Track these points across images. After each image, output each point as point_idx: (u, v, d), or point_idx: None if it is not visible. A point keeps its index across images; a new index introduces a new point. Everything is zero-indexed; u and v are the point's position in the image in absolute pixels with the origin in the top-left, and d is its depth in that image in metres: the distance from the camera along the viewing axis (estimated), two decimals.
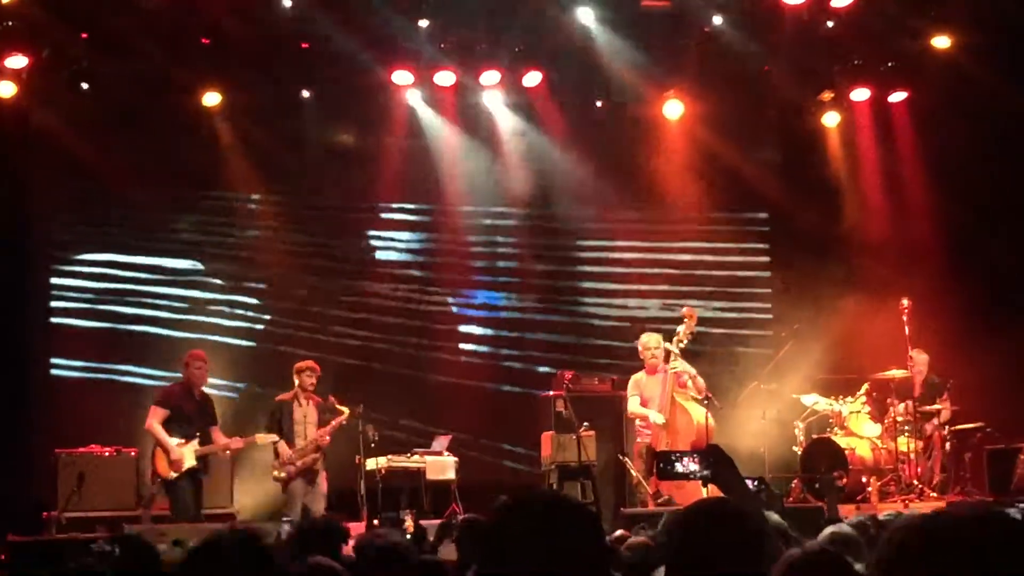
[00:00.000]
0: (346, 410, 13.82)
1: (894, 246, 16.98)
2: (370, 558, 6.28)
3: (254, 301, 16.85)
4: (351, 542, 7.65)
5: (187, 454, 13.20)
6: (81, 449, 14.22)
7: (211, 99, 15.76)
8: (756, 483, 7.76)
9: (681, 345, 13.74)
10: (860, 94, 16.93)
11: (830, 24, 15.74)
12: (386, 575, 5.84)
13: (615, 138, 17.33)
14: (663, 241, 17.99)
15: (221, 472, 14.19)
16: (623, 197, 17.64)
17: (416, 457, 14.60)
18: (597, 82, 16.61)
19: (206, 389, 13.87)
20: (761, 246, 18.27)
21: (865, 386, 15.28)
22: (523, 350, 17.49)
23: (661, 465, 6.96)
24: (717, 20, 15.71)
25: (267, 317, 16.84)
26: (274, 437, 13.63)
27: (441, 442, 14.95)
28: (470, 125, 16.85)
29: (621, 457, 14.10)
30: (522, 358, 17.44)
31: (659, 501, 12.74)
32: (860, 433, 15.11)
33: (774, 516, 5.73)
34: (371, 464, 14.02)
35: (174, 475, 13.13)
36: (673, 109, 16.86)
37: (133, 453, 14.32)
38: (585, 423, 13.97)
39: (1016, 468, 14.42)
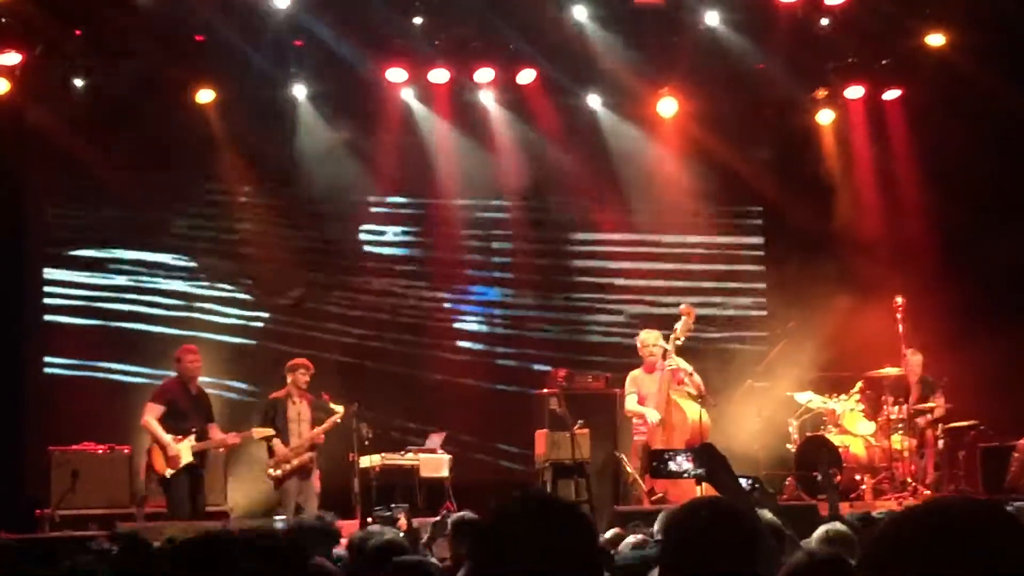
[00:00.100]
0: (340, 408, 13.80)
1: (888, 244, 17.00)
2: (364, 556, 6.29)
3: (248, 298, 16.83)
4: (344, 540, 7.67)
5: (184, 450, 13.18)
6: (75, 447, 14.21)
7: (205, 96, 15.75)
8: (750, 481, 7.75)
9: (678, 342, 13.75)
10: (854, 92, 16.96)
11: (824, 22, 15.75)
12: (380, 573, 5.84)
13: (609, 135, 17.32)
14: (657, 236, 17.97)
15: (215, 469, 14.18)
16: (617, 194, 17.64)
17: (410, 455, 14.59)
18: (591, 79, 16.62)
19: (201, 383, 13.87)
20: (756, 242, 18.28)
21: (859, 384, 15.29)
22: (517, 347, 17.49)
23: (655, 463, 6.98)
24: (711, 17, 15.71)
25: (260, 314, 16.82)
26: (270, 431, 13.61)
27: (435, 439, 14.95)
28: (464, 121, 16.83)
29: (616, 454, 14.12)
30: (516, 356, 17.45)
31: (654, 499, 12.74)
32: (854, 431, 15.12)
33: (767, 514, 5.73)
34: (365, 462, 14.00)
35: (171, 472, 13.12)
36: (667, 106, 16.86)
37: (127, 451, 14.31)
38: (579, 421, 13.97)
39: (1010, 466, 14.43)
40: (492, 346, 17.54)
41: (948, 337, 15.36)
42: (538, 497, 3.04)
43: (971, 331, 15.12)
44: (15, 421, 15.19)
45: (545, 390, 14.81)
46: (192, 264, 16.64)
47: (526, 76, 16.31)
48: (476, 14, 15.44)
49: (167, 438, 13.13)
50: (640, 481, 13.29)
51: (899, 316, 15.00)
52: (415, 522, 11.81)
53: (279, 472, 13.63)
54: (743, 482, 4.80)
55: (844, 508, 13.25)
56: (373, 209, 17.50)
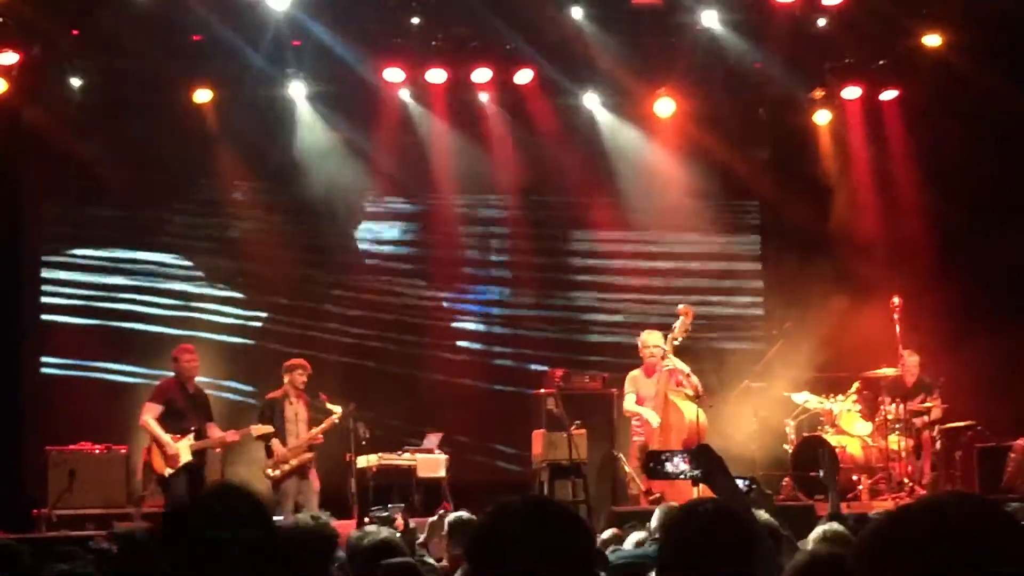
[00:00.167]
0: (338, 409, 13.80)
1: (886, 244, 17.01)
2: (358, 556, 6.29)
3: (245, 298, 16.83)
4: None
5: (183, 449, 13.19)
6: (72, 447, 14.20)
7: (202, 95, 15.76)
8: (747, 482, 7.75)
9: (676, 343, 13.76)
10: (851, 92, 16.96)
11: (822, 22, 15.76)
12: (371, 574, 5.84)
13: (606, 135, 17.32)
14: (654, 236, 17.97)
15: (211, 469, 14.17)
16: (615, 194, 17.65)
17: (407, 455, 14.59)
18: (589, 79, 16.63)
19: (199, 383, 13.88)
20: (753, 242, 18.29)
21: (856, 384, 15.30)
22: (515, 347, 17.50)
23: (651, 464, 6.93)
24: (708, 17, 15.71)
25: (258, 314, 16.83)
26: (269, 428, 13.61)
27: (432, 440, 14.95)
28: (462, 121, 16.83)
29: (614, 454, 14.13)
30: (514, 355, 17.45)
31: (651, 499, 12.75)
32: (851, 431, 15.13)
33: (764, 515, 5.73)
34: (362, 462, 14.01)
35: (170, 471, 13.13)
36: (664, 106, 16.87)
37: (124, 450, 14.31)
38: (576, 421, 13.97)
39: (1006, 466, 14.44)
40: (489, 346, 17.55)
41: (945, 337, 15.37)
42: (535, 499, 3.06)
43: (968, 331, 15.13)
44: (12, 421, 15.20)
45: (542, 390, 14.81)
46: (189, 264, 16.64)
47: (524, 76, 16.31)
48: (474, 14, 15.43)
49: (166, 438, 13.14)
50: (638, 481, 13.30)
51: (896, 316, 15.00)
52: (412, 522, 11.82)
53: (277, 473, 13.64)
54: (740, 483, 4.79)
55: (841, 509, 13.29)
56: (371, 209, 17.52)
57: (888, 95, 16.98)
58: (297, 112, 16.44)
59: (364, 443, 13.91)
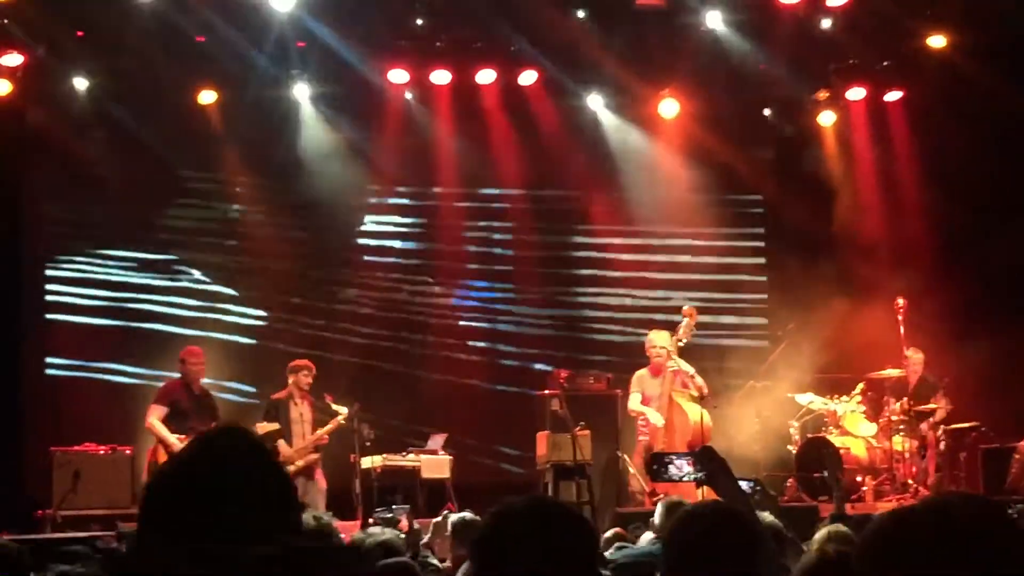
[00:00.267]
0: (344, 409, 13.80)
1: (889, 245, 17.00)
2: (367, 555, 6.31)
3: (249, 298, 16.83)
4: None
5: None
6: (76, 447, 14.22)
7: (207, 97, 15.78)
8: (751, 484, 7.73)
9: (680, 344, 13.78)
10: (856, 93, 16.95)
11: (826, 23, 15.76)
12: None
13: (611, 136, 17.33)
14: (659, 235, 17.97)
15: None
16: (619, 196, 17.67)
17: (411, 456, 14.59)
18: (593, 81, 16.64)
19: (204, 384, 13.89)
20: (757, 243, 18.28)
21: (860, 385, 15.29)
22: (519, 347, 17.49)
23: (655, 467, 6.96)
24: (712, 18, 15.71)
25: (262, 314, 16.83)
26: (275, 426, 13.61)
27: (436, 440, 14.95)
28: (466, 122, 16.82)
29: (618, 454, 14.12)
30: (518, 355, 17.44)
31: (655, 500, 12.74)
32: (855, 432, 15.11)
33: (768, 516, 5.74)
34: (366, 463, 14.01)
35: None
36: (669, 108, 16.87)
37: (128, 451, 14.32)
38: (581, 422, 13.97)
39: (1011, 468, 14.43)
40: (494, 345, 17.54)
41: (949, 338, 15.36)
42: (538, 499, 3.06)
43: (972, 332, 15.11)
44: (16, 421, 15.21)
45: (547, 391, 14.80)
46: (193, 264, 16.64)
47: (528, 77, 16.32)
48: (478, 15, 15.45)
49: (172, 439, 13.15)
50: (642, 481, 13.29)
51: (900, 317, 14.99)
52: (416, 523, 11.82)
53: None
54: (744, 484, 4.82)
55: (846, 510, 13.28)
56: (375, 209, 17.52)
57: (892, 96, 16.98)
58: (301, 113, 16.45)
59: (368, 444, 13.92)
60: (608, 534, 8.12)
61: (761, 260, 18.17)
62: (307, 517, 6.36)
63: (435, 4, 15.29)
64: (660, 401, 13.68)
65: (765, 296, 17.97)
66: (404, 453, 14.63)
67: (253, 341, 16.60)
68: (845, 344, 15.70)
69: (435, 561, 8.02)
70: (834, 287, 16.27)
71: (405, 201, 17.63)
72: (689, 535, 3.64)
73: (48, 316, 16.06)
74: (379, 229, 17.53)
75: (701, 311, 14.84)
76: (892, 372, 15.07)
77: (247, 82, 15.74)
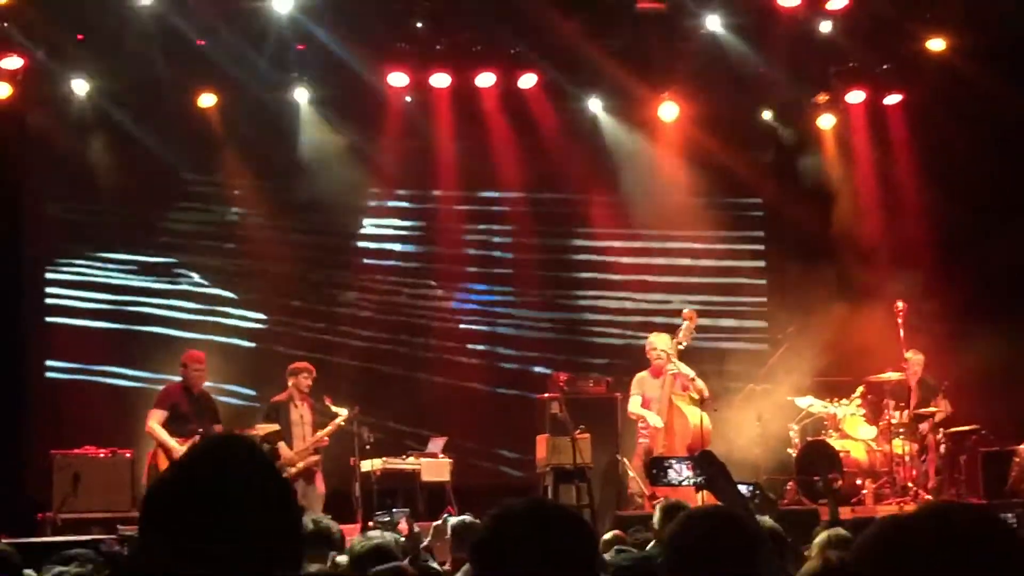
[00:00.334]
0: (343, 411, 13.81)
1: (889, 248, 17.00)
2: (358, 560, 6.32)
3: (249, 301, 16.84)
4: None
5: None
6: (76, 450, 14.21)
7: (207, 100, 15.79)
8: (751, 488, 7.72)
9: (681, 347, 13.79)
10: (855, 96, 16.97)
11: (825, 26, 15.76)
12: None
13: (611, 139, 17.35)
14: (659, 238, 17.97)
15: None
16: (618, 199, 17.68)
17: (411, 459, 14.59)
18: (592, 83, 16.65)
19: (205, 387, 13.90)
20: (756, 246, 18.29)
21: (860, 388, 15.29)
22: (519, 350, 17.49)
23: (654, 471, 6.95)
24: (712, 22, 15.71)
25: (263, 317, 16.84)
26: (275, 427, 13.62)
27: (436, 444, 14.95)
28: (466, 125, 16.82)
29: (618, 457, 14.13)
30: (518, 358, 17.44)
31: (655, 503, 12.74)
32: (855, 435, 15.11)
33: (768, 520, 5.74)
34: (366, 466, 14.01)
35: None
36: (668, 111, 16.88)
37: (128, 454, 14.31)
38: (580, 426, 13.97)
39: (1011, 471, 14.43)
40: (494, 348, 17.55)
41: (949, 341, 15.37)
42: (537, 502, 3.07)
43: (972, 335, 15.10)
44: (17, 424, 15.21)
45: (546, 395, 14.81)
46: (193, 267, 16.64)
47: (527, 80, 16.33)
48: (478, 19, 15.46)
49: (172, 442, 13.15)
50: (642, 484, 13.30)
51: (900, 320, 14.99)
52: (416, 526, 11.82)
53: (285, 475, 13.63)
54: (743, 489, 4.80)
55: (846, 513, 13.30)
56: (375, 212, 17.54)
57: (892, 99, 16.99)
58: (301, 116, 16.46)
59: (368, 447, 13.93)
60: (607, 536, 8.13)
61: (761, 263, 18.19)
62: (306, 520, 6.38)
63: (435, 7, 15.30)
64: (660, 404, 13.70)
65: (765, 299, 17.97)
66: (404, 456, 14.63)
67: (253, 344, 16.60)
68: (845, 347, 15.70)
69: (435, 564, 8.02)
70: (834, 290, 16.28)
71: (405, 204, 17.63)
72: (689, 539, 3.65)
73: (48, 319, 16.06)
74: (379, 232, 17.54)
75: (701, 314, 14.86)
76: (892, 375, 15.07)
77: (247, 85, 15.75)
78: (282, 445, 13.69)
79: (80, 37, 14.93)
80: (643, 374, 14.11)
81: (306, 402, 13.96)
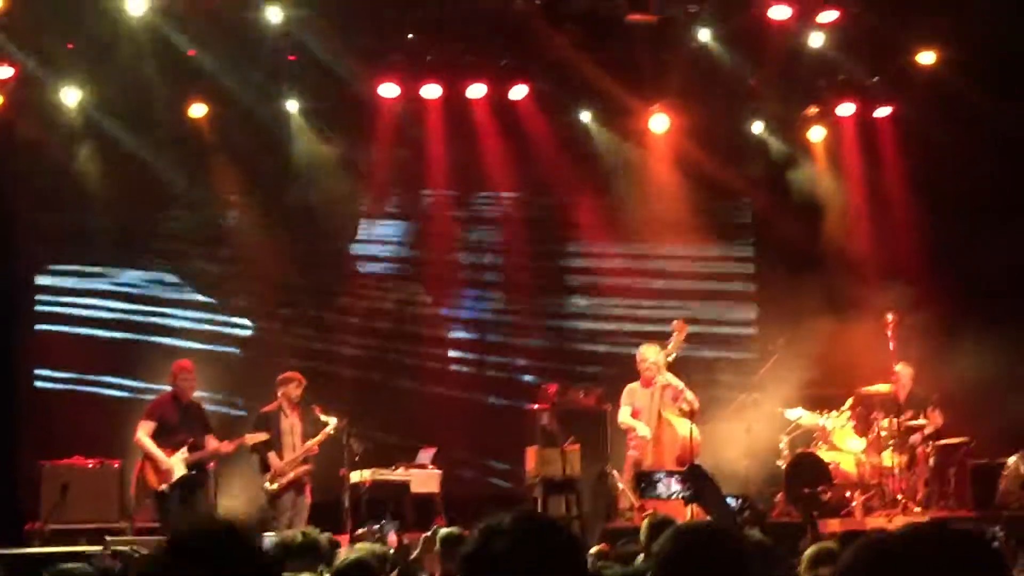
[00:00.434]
0: (333, 420, 13.79)
1: (878, 261, 17.02)
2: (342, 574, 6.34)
3: (240, 309, 16.83)
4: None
5: (176, 464, 13.18)
6: (65, 460, 14.19)
7: (198, 110, 15.79)
8: (739, 501, 7.74)
9: (670, 358, 13.80)
10: (846, 109, 17.01)
11: (816, 39, 15.77)
12: None
13: (601, 151, 17.37)
14: (648, 250, 17.99)
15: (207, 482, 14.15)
16: (608, 210, 17.70)
17: (400, 470, 14.58)
18: (583, 95, 16.68)
19: (195, 397, 13.89)
20: (746, 258, 18.32)
21: (850, 400, 15.31)
22: (509, 358, 17.49)
23: (643, 485, 6.99)
24: (703, 34, 15.74)
25: (252, 325, 16.83)
26: (264, 436, 13.61)
27: (426, 455, 14.94)
28: (456, 136, 16.83)
29: (607, 470, 14.13)
30: (508, 367, 17.45)
31: (644, 516, 12.74)
32: (844, 447, 15.12)
33: (756, 533, 5.75)
34: (355, 477, 14.00)
35: (164, 486, 13.12)
36: (659, 122, 16.91)
37: (117, 465, 14.30)
38: (570, 437, 13.97)
39: (999, 484, 14.44)
40: (484, 357, 17.56)
41: (938, 353, 15.37)
42: (525, 515, 3.06)
43: (961, 347, 15.12)
44: (5, 434, 15.16)
45: (536, 406, 14.80)
46: (184, 276, 16.64)
47: (518, 92, 16.36)
48: (468, 30, 15.47)
49: (158, 453, 13.14)
50: (631, 496, 13.29)
51: (890, 332, 15.01)
52: (405, 538, 11.82)
53: (275, 486, 13.62)
54: (732, 502, 4.83)
55: (835, 525, 13.31)
56: (365, 221, 17.54)
57: (882, 112, 17.04)
58: (292, 126, 16.46)
59: (357, 458, 13.92)
60: (592, 551, 8.12)
61: (751, 275, 18.21)
62: (295, 533, 6.38)
63: (426, 18, 15.30)
64: (649, 415, 13.70)
65: (755, 311, 18.00)
66: (393, 467, 14.61)
67: (243, 352, 16.60)
68: (834, 359, 15.71)
69: None
70: (823, 302, 16.29)
71: (396, 213, 17.65)
72: (678, 555, 3.65)
73: (38, 327, 16.04)
74: (370, 241, 17.55)
75: (692, 322, 14.87)
76: (881, 387, 15.08)
77: (238, 95, 15.74)
78: (272, 455, 13.69)
79: (71, 46, 14.91)
80: (633, 385, 14.12)
81: (296, 412, 13.94)
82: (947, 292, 15.90)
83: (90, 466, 14.26)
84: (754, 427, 15.00)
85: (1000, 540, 10.43)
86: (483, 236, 17.84)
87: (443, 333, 17.56)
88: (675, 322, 14.21)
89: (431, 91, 16.13)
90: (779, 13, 15.18)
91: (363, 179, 17.12)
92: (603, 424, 14.78)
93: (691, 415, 13.51)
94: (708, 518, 8.58)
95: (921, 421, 15.10)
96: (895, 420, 14.98)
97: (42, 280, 16.18)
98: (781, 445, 15.22)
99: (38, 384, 15.90)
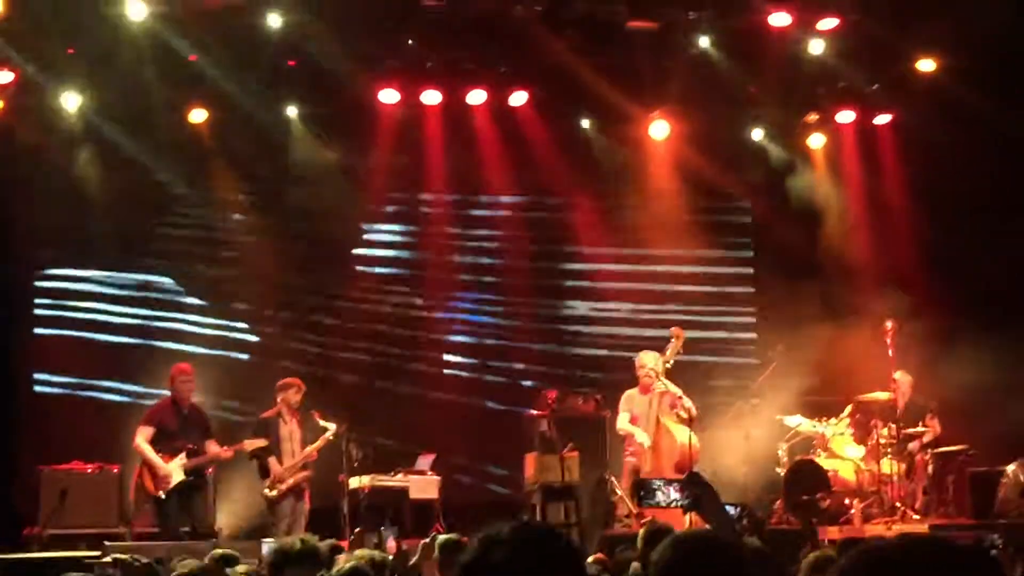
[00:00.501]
0: (332, 426, 13.78)
1: (878, 267, 17.03)
2: None
3: (240, 314, 16.84)
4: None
5: (174, 470, 13.18)
6: (64, 465, 14.19)
7: (198, 115, 15.81)
8: (738, 509, 7.73)
9: (667, 365, 13.80)
10: (845, 116, 17.03)
11: (816, 46, 15.77)
12: None
13: (601, 157, 17.39)
14: (647, 256, 18.00)
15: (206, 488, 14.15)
16: (607, 216, 17.71)
17: (399, 476, 14.57)
18: (583, 101, 16.68)
19: (196, 401, 13.89)
20: (746, 265, 18.32)
21: (849, 408, 15.30)
22: (509, 364, 17.49)
23: (642, 493, 6.99)
24: (703, 41, 15.74)
25: (251, 330, 16.83)
26: (262, 442, 13.60)
27: (425, 461, 14.93)
28: (456, 142, 16.85)
29: (606, 476, 14.12)
30: (507, 371, 17.44)
31: (643, 523, 12.73)
32: (843, 455, 15.11)
33: (754, 541, 5.75)
34: (355, 482, 13.99)
35: (162, 492, 13.12)
36: (659, 129, 16.92)
37: (115, 470, 14.30)
38: (569, 443, 13.97)
39: (998, 492, 14.43)
40: (484, 361, 17.55)
41: (937, 361, 15.37)
42: (527, 526, 3.06)
43: (960, 355, 15.11)
44: (4, 439, 15.17)
45: (535, 412, 14.80)
46: (182, 280, 16.65)
47: (518, 98, 16.38)
48: (468, 36, 15.48)
49: (156, 459, 13.14)
50: (630, 504, 13.29)
51: (889, 340, 15.01)
52: (404, 544, 11.81)
53: (275, 493, 13.61)
54: (731, 510, 4.83)
55: (833, 532, 13.31)
56: (365, 227, 17.56)
57: (882, 119, 17.05)
58: (293, 131, 16.48)
59: (356, 464, 13.91)
60: (590, 560, 8.12)
61: (750, 282, 18.21)
62: (294, 539, 6.37)
63: (426, 25, 15.31)
64: (648, 422, 13.70)
65: (754, 318, 18.01)
66: (392, 473, 14.60)
67: (243, 357, 16.61)
68: (833, 366, 15.71)
69: None
70: (822, 309, 16.29)
71: (394, 218, 17.66)
72: (675, 563, 3.65)
73: (37, 330, 16.05)
74: (370, 246, 17.56)
75: (691, 328, 14.88)
76: (880, 395, 15.08)
77: (238, 100, 15.75)
78: (272, 460, 13.68)
79: (71, 51, 14.92)
80: (632, 391, 14.12)
81: (295, 418, 13.94)
82: (947, 300, 15.91)
83: (89, 471, 14.25)
84: (753, 434, 15.00)
85: (998, 548, 10.43)
86: (482, 241, 17.85)
87: (442, 338, 17.56)
88: (672, 329, 14.22)
89: (431, 97, 16.15)
90: (779, 20, 15.20)
91: (363, 184, 17.13)
92: (602, 430, 14.79)
93: (689, 422, 13.51)
94: (707, 526, 8.60)
95: (920, 428, 15.10)
96: (894, 427, 14.98)
97: (42, 284, 16.19)
98: (780, 452, 15.21)
99: (37, 388, 15.91)
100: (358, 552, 7.44)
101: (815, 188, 17.51)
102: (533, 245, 17.79)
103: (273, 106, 16.20)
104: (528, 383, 16.94)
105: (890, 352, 15.02)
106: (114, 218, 16.15)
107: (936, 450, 15.04)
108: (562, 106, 16.85)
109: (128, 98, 15.42)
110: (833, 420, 15.22)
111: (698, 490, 4.36)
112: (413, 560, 10.08)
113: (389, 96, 15.99)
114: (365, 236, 17.55)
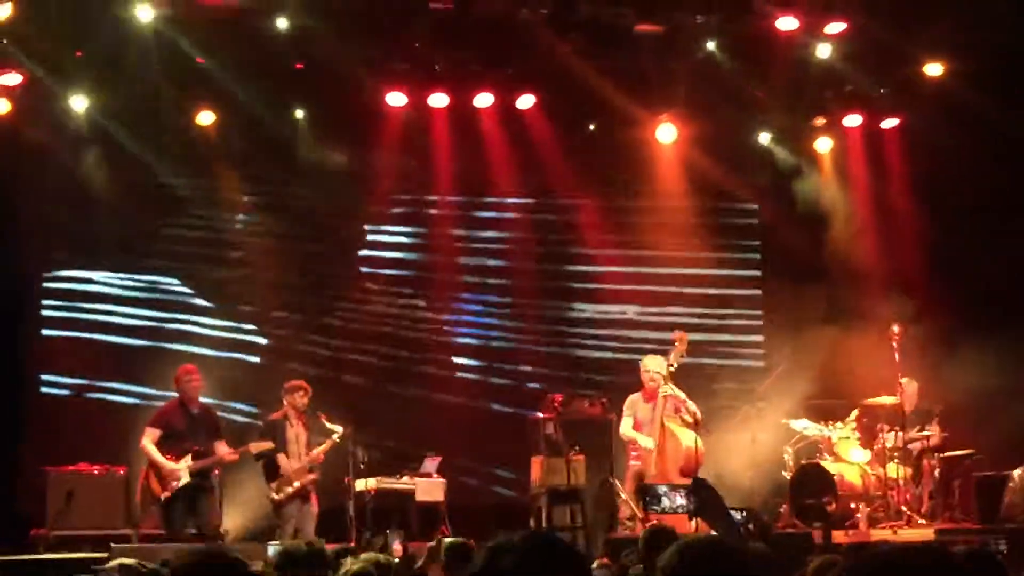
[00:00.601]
0: (338, 428, 13.77)
1: (885, 272, 17.02)
2: None
3: (247, 316, 16.85)
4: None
5: (181, 471, 13.18)
6: (70, 467, 14.20)
7: (205, 118, 15.84)
8: (743, 514, 7.71)
9: (671, 369, 13.78)
10: (852, 120, 17.03)
11: (823, 50, 15.77)
12: None
13: (609, 160, 17.40)
14: (654, 259, 18.00)
15: (210, 491, 14.15)
16: (615, 218, 17.73)
17: (405, 479, 14.58)
18: (590, 105, 16.68)
19: (206, 403, 13.89)
20: (752, 269, 18.31)
21: (855, 412, 15.29)
22: (514, 365, 17.49)
23: (646, 498, 6.98)
24: (710, 45, 15.75)
25: (259, 332, 16.85)
26: (269, 444, 13.58)
27: (431, 463, 14.93)
28: (463, 145, 16.86)
29: (611, 480, 14.11)
30: (512, 374, 17.44)
31: (648, 526, 12.73)
32: (849, 459, 15.10)
33: (760, 546, 5.76)
34: (360, 485, 13.99)
35: (168, 494, 13.12)
36: (666, 132, 16.93)
37: (122, 471, 14.30)
38: (575, 446, 13.97)
39: (1004, 496, 14.43)
40: (490, 365, 17.55)
41: (943, 365, 15.36)
42: (535, 535, 3.07)
43: (966, 359, 15.11)
44: (11, 440, 15.19)
45: (541, 415, 14.80)
46: (190, 282, 16.66)
47: (525, 101, 16.39)
48: (475, 39, 15.49)
49: (163, 461, 13.13)
50: (635, 507, 13.28)
51: (895, 344, 15.00)
52: (410, 547, 11.82)
53: (281, 495, 13.60)
54: (736, 515, 4.84)
55: (839, 536, 13.31)
56: (371, 229, 17.56)
57: (889, 123, 17.05)
58: (300, 134, 16.50)
59: (362, 466, 13.91)
60: (594, 564, 8.13)
61: (756, 285, 18.20)
62: (300, 542, 6.39)
63: (433, 28, 15.32)
64: (652, 426, 13.68)
65: (760, 321, 18.00)
66: (399, 476, 14.61)
67: (252, 359, 16.62)
68: (839, 370, 15.71)
69: None
70: (828, 312, 16.29)
71: (401, 221, 17.66)
72: (681, 569, 3.66)
73: (45, 331, 16.07)
74: (376, 249, 17.57)
75: (697, 331, 14.87)
76: (887, 399, 15.07)
77: (246, 103, 15.77)
78: (282, 458, 13.63)
79: (79, 53, 14.95)
80: (635, 396, 14.09)
81: (302, 420, 13.92)
82: (953, 304, 15.90)
83: (95, 473, 14.26)
84: (759, 438, 14.98)
85: (1003, 553, 10.43)
86: (489, 243, 17.86)
87: (449, 340, 17.57)
88: (675, 333, 14.18)
89: (438, 100, 16.17)
90: (786, 24, 15.21)
91: (370, 186, 17.14)
92: (608, 433, 14.77)
93: (694, 426, 13.50)
94: (712, 532, 8.62)
95: (925, 433, 15.08)
96: (900, 432, 14.96)
97: (49, 285, 16.21)
98: (786, 456, 15.20)
99: (44, 390, 15.93)
100: (364, 555, 7.46)
101: (822, 192, 17.52)
102: (539, 247, 17.80)
103: (280, 109, 16.22)
104: (535, 385, 16.94)
105: (896, 356, 15.00)
106: (122, 220, 16.19)
107: (942, 454, 15.03)
108: (569, 109, 16.85)
109: (136, 100, 15.45)
110: (839, 424, 15.20)
111: (703, 495, 4.36)
112: (419, 563, 10.07)
113: (396, 99, 16.02)
114: (372, 238, 17.56)
